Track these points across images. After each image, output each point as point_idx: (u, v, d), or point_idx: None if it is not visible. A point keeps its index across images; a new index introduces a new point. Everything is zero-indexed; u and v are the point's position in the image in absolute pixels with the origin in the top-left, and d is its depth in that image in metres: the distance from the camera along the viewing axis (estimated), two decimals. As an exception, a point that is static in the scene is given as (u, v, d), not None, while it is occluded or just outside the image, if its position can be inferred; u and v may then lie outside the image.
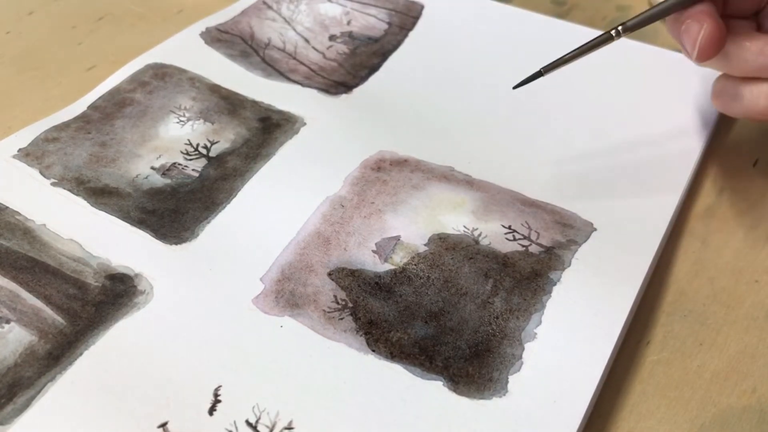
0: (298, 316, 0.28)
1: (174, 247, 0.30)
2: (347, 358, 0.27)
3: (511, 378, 0.26)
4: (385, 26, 0.43)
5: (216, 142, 0.35)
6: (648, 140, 0.36)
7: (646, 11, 0.31)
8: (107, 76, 0.39)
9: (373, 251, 0.30)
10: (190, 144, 0.35)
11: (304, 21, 0.44)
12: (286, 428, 0.25)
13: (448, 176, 0.33)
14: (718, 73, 0.40)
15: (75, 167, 0.34)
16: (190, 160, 0.34)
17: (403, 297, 0.28)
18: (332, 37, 0.43)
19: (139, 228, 0.31)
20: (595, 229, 0.31)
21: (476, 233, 0.31)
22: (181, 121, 0.36)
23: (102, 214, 0.31)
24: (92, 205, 0.32)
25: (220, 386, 0.26)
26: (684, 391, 0.27)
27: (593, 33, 0.42)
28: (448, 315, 0.28)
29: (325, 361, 0.26)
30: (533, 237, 0.31)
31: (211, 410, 0.25)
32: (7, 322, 0.27)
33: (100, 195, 0.32)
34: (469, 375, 0.26)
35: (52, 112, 0.37)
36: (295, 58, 0.41)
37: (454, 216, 0.31)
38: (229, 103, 0.37)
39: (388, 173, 0.34)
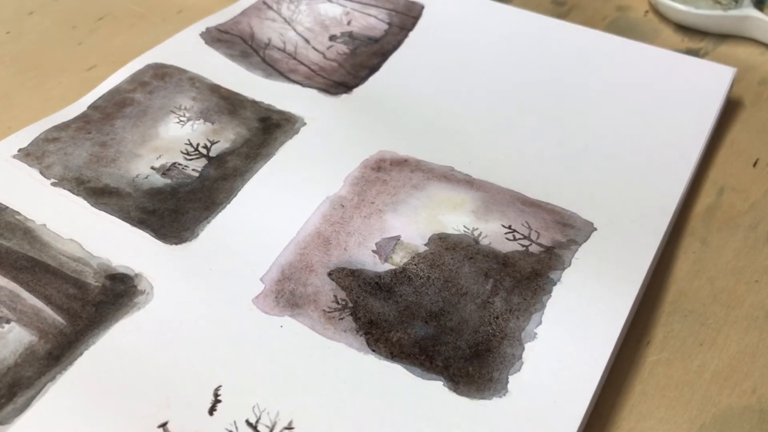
0: (298, 316, 0.28)
1: (174, 247, 0.30)
2: (347, 358, 0.27)
3: (511, 378, 0.26)
4: (386, 26, 0.43)
5: (216, 142, 0.35)
6: (648, 140, 0.36)
7: None
8: (107, 76, 0.39)
9: (373, 251, 0.30)
10: (190, 144, 0.35)
11: (304, 21, 0.44)
12: (286, 428, 0.25)
13: (448, 176, 0.33)
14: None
15: (75, 167, 0.34)
16: (190, 160, 0.34)
17: (403, 297, 0.28)
18: (332, 38, 0.43)
19: (140, 228, 0.31)
20: (595, 229, 0.31)
21: (476, 233, 0.31)
22: (181, 121, 0.36)
23: (102, 214, 0.31)
24: (92, 205, 0.32)
25: (220, 386, 0.26)
26: (684, 391, 0.27)
27: (593, 33, 0.42)
28: (448, 315, 0.28)
29: (325, 361, 0.26)
30: (533, 237, 0.31)
31: (212, 410, 0.25)
32: (7, 322, 0.27)
33: (101, 195, 0.32)
34: (469, 375, 0.26)
35: (52, 112, 0.37)
36: (295, 59, 0.41)
37: (455, 216, 0.31)
38: (229, 103, 0.37)
39: (388, 173, 0.34)
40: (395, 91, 0.39)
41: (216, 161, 0.34)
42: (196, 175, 0.34)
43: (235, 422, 0.25)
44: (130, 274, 0.29)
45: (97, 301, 0.28)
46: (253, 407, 0.25)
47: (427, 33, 0.43)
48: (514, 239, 0.30)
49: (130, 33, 0.44)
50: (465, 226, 0.31)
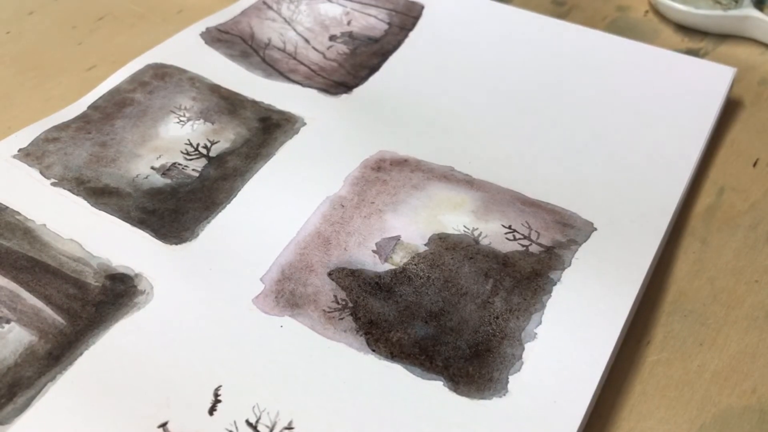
0: (298, 316, 0.28)
1: (174, 247, 0.30)
2: (347, 358, 0.27)
3: (511, 378, 0.26)
4: (386, 26, 0.43)
5: (216, 142, 0.35)
6: (648, 140, 0.36)
7: None
8: (107, 76, 0.39)
9: (373, 251, 0.30)
10: (190, 144, 0.35)
11: (304, 21, 0.44)
12: (286, 428, 0.25)
13: (448, 176, 0.33)
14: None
15: (75, 167, 0.34)
16: (190, 160, 0.34)
17: (403, 297, 0.28)
18: (332, 38, 0.43)
19: (140, 228, 0.31)
20: (596, 229, 0.31)
21: (476, 233, 0.31)
22: (181, 121, 0.36)
23: (102, 214, 0.31)
24: (92, 205, 0.32)
25: (220, 386, 0.26)
26: (684, 391, 0.27)
27: (593, 33, 0.42)
28: (448, 315, 0.28)
29: (325, 361, 0.26)
30: (533, 237, 0.31)
31: (212, 410, 0.25)
32: (7, 322, 0.27)
33: (101, 195, 0.32)
34: (469, 375, 0.26)
35: (52, 112, 0.37)
36: (295, 59, 0.41)
37: (454, 216, 0.31)
38: (229, 103, 0.37)
39: (388, 173, 0.34)
40: (395, 91, 0.39)
41: (216, 161, 0.34)
42: (196, 175, 0.34)
43: (235, 422, 0.25)
44: (130, 274, 0.29)
45: (97, 301, 0.28)
46: (253, 407, 0.25)
47: (427, 33, 0.43)
48: (514, 239, 0.30)
49: (130, 33, 0.44)
50: (465, 226, 0.31)
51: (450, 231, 0.31)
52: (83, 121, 0.36)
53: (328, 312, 0.28)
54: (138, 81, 0.39)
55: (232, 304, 0.28)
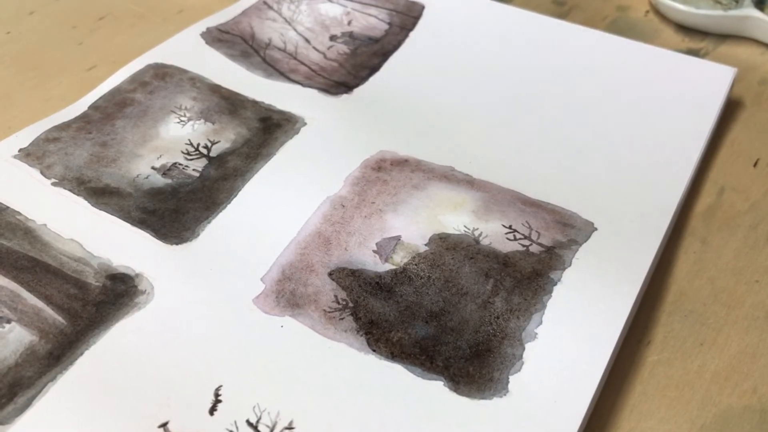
0: (298, 316, 0.28)
1: (175, 247, 0.30)
2: (348, 358, 0.27)
3: (511, 378, 0.26)
4: (386, 26, 0.43)
5: (217, 142, 0.35)
6: (648, 140, 0.36)
7: None
8: (107, 76, 0.39)
9: (374, 251, 0.30)
10: (191, 144, 0.35)
11: (304, 21, 0.44)
12: (286, 428, 0.25)
13: (449, 176, 0.33)
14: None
15: (76, 167, 0.34)
16: (191, 160, 0.34)
17: (403, 297, 0.28)
18: (333, 38, 0.43)
19: (140, 228, 0.31)
20: (596, 229, 0.31)
21: (477, 233, 0.31)
22: (181, 121, 0.36)
23: (103, 214, 0.32)
24: (93, 205, 0.32)
25: (220, 386, 0.26)
26: (684, 391, 0.27)
27: (593, 33, 0.42)
28: (449, 315, 0.28)
29: (325, 361, 0.26)
30: (534, 237, 0.31)
31: (212, 410, 0.25)
32: (8, 322, 0.27)
33: (101, 195, 0.32)
34: (470, 375, 0.26)
35: (53, 112, 0.37)
36: (295, 59, 0.41)
37: (455, 216, 0.31)
38: (229, 103, 0.37)
39: (388, 173, 0.34)
40: (396, 91, 0.39)
41: (216, 161, 0.34)
42: (197, 175, 0.34)
43: (235, 422, 0.25)
44: (131, 274, 0.29)
45: (97, 301, 0.28)
46: (254, 407, 0.25)
47: (428, 33, 0.43)
48: (515, 239, 0.31)
49: (130, 33, 0.44)
50: (465, 226, 0.31)
51: (450, 231, 0.31)
52: (84, 121, 0.36)
53: (329, 312, 0.28)
54: (138, 81, 0.39)
55: (233, 304, 0.28)
